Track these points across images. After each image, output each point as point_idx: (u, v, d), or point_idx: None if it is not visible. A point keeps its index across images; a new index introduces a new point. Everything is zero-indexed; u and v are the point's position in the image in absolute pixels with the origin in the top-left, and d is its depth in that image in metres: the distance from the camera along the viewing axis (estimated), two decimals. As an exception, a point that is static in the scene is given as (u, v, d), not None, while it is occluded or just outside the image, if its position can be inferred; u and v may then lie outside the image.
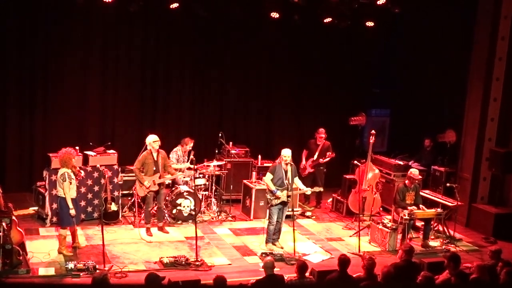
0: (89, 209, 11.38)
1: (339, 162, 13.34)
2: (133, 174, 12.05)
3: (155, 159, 10.92)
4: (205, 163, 12.26)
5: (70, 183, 9.70)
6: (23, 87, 12.69)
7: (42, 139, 12.76)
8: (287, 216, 11.01)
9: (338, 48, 14.79)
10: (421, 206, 11.36)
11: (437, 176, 13.23)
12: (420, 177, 11.82)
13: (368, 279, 7.98)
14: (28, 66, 12.64)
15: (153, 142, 10.94)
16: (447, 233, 11.64)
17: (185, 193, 11.68)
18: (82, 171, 10.44)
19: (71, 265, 9.19)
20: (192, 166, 11.10)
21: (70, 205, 9.68)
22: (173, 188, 11.91)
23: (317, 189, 11.69)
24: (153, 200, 11.06)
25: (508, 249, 10.65)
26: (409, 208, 11.07)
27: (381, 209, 12.88)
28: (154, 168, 10.92)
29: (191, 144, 12.06)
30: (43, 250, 9.87)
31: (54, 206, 10.91)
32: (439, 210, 11.51)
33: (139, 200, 11.42)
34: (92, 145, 11.87)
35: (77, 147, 11.44)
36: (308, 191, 11.15)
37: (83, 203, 11.23)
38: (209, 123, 14.12)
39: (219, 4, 12.86)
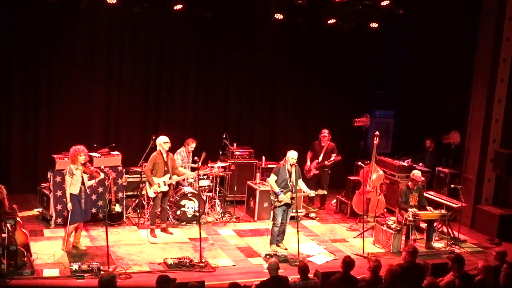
0: (94, 210, 11.37)
1: (343, 163, 13.33)
2: (137, 176, 12.11)
3: (165, 160, 10.94)
4: (209, 164, 12.27)
5: (72, 178, 9.75)
6: (28, 89, 12.74)
7: (47, 141, 12.80)
8: (291, 218, 11.01)
9: (342, 49, 14.85)
10: (428, 207, 11.33)
11: (441, 177, 13.23)
12: (423, 178, 11.78)
13: (373, 281, 7.95)
14: (32, 69, 12.68)
15: (164, 143, 10.96)
16: (452, 235, 11.62)
17: (189, 195, 11.69)
18: (102, 173, 10.37)
19: (75, 266, 9.18)
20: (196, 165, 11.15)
21: (68, 199, 9.75)
22: (177, 189, 11.91)
23: (321, 192, 11.72)
24: (160, 201, 11.05)
25: (512, 250, 10.63)
26: (410, 209, 11.03)
27: (385, 210, 12.88)
28: (165, 169, 10.93)
29: (194, 145, 12.07)
30: (48, 251, 9.87)
31: (59, 207, 10.95)
32: (443, 211, 11.48)
33: (147, 201, 11.40)
34: (96, 146, 11.88)
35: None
36: (312, 193, 11.15)
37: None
38: (213, 124, 14.15)
39: (223, 5, 12.88)
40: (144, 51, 13.51)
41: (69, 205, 9.78)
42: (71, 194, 9.81)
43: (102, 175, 10.38)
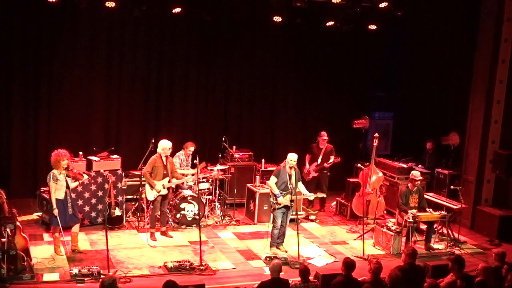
0: (93, 214, 11.39)
1: (342, 165, 13.33)
2: (137, 179, 12.09)
3: (164, 163, 10.93)
4: (209, 167, 12.27)
5: (56, 183, 9.73)
6: (28, 89, 12.73)
7: (47, 141, 12.74)
8: (291, 220, 11.01)
9: (342, 49, 14.86)
10: (428, 209, 11.34)
11: (441, 179, 13.23)
12: (422, 178, 11.78)
13: (374, 284, 7.95)
14: (32, 69, 12.67)
15: (168, 149, 10.96)
16: (452, 236, 11.61)
17: (188, 198, 11.69)
18: (85, 175, 10.40)
19: (75, 270, 9.17)
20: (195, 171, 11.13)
21: (54, 205, 9.71)
22: (177, 193, 11.91)
23: (320, 194, 11.72)
24: (160, 205, 11.04)
25: (512, 251, 10.63)
26: (409, 211, 11.02)
27: (385, 212, 12.87)
28: (164, 172, 10.92)
29: (192, 148, 12.07)
30: (47, 255, 9.86)
31: (58, 211, 10.95)
32: (443, 213, 11.48)
33: (146, 204, 11.38)
34: (95, 150, 11.87)
35: (80, 152, 11.50)
36: (311, 196, 11.14)
37: (87, 208, 11.27)
38: (213, 124, 14.15)
39: (223, 5, 12.87)
40: (144, 51, 13.51)
41: (56, 211, 9.74)
42: (56, 200, 9.77)
43: (85, 177, 10.36)
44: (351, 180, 13.07)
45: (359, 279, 8.23)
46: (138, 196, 11.94)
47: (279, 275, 8.02)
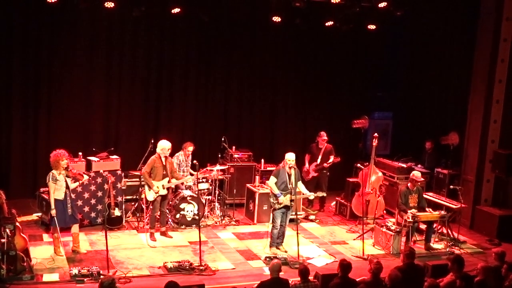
0: (93, 214, 11.39)
1: (342, 165, 13.34)
2: (136, 179, 12.10)
3: (164, 163, 10.94)
4: (208, 168, 12.27)
5: (55, 183, 9.73)
6: (28, 89, 12.73)
7: (47, 141, 12.74)
8: (291, 220, 11.01)
9: (342, 49, 14.87)
10: (427, 209, 11.34)
11: (440, 178, 13.24)
12: (423, 179, 11.79)
13: (374, 283, 7.95)
14: (32, 69, 12.68)
15: (168, 150, 10.96)
16: (451, 236, 11.62)
17: (188, 198, 11.69)
18: (85, 175, 10.39)
19: (75, 270, 9.17)
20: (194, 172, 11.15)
21: (52, 206, 9.71)
22: (176, 193, 11.91)
23: (320, 194, 11.69)
24: (159, 205, 11.04)
25: (512, 251, 10.63)
26: (409, 211, 11.02)
27: (384, 212, 12.88)
28: (164, 172, 10.92)
29: (191, 148, 12.07)
30: (47, 256, 9.86)
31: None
32: (443, 212, 11.48)
33: (146, 205, 11.38)
34: (95, 150, 11.88)
35: (80, 153, 11.51)
36: (311, 195, 11.14)
37: (86, 209, 11.27)
38: (213, 124, 14.16)
39: (223, 5, 12.87)
40: (144, 51, 13.51)
41: (53, 211, 9.74)
42: (55, 200, 9.76)
43: (85, 177, 10.35)
44: (350, 180, 13.07)
45: (358, 279, 8.23)
46: (137, 197, 11.95)
47: (279, 275, 8.03)
